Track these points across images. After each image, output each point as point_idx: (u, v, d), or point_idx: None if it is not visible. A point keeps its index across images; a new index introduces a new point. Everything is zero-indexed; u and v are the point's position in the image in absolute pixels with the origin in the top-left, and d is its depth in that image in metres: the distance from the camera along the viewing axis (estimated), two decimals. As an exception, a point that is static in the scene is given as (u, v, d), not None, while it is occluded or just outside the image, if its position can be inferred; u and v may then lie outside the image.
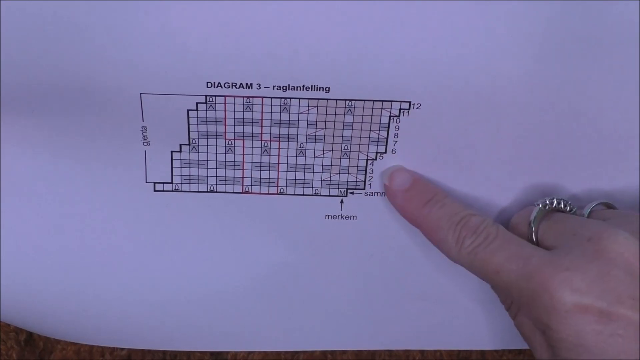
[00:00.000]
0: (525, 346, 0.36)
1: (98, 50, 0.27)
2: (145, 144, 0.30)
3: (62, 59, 0.27)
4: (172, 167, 0.31)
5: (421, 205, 0.31)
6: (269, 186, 0.32)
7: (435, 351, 0.37)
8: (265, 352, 0.37)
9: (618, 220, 0.29)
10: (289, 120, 0.30)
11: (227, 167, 0.31)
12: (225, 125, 0.30)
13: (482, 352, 0.37)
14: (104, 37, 0.27)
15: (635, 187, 0.32)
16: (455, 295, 0.35)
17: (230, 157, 0.31)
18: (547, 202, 0.30)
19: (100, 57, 0.27)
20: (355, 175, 0.32)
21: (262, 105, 0.29)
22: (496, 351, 0.37)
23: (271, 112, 0.30)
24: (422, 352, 0.37)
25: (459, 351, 0.37)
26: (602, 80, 0.29)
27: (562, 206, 0.30)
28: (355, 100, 0.29)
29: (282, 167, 0.31)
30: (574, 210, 0.30)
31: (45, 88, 0.28)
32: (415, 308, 0.35)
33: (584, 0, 0.27)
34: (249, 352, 0.37)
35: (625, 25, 0.28)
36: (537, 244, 0.29)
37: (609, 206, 0.31)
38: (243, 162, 0.31)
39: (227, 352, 0.37)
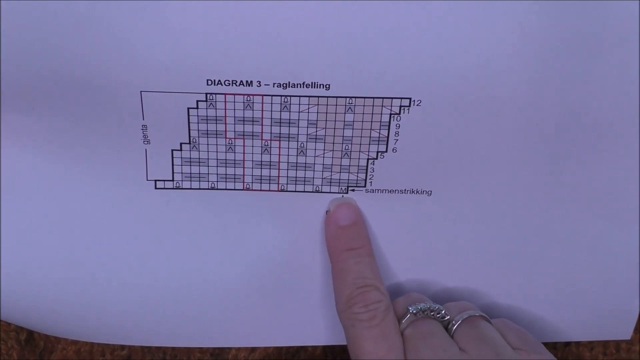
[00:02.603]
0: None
1: (98, 48, 0.27)
2: (145, 142, 0.30)
3: (62, 57, 0.27)
4: (172, 165, 0.31)
5: (344, 248, 0.31)
6: (269, 183, 0.32)
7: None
8: (267, 352, 0.37)
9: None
10: (290, 119, 0.30)
11: (227, 165, 0.31)
12: (225, 123, 0.30)
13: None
14: (104, 35, 0.27)
15: (635, 187, 0.32)
16: (453, 289, 0.35)
17: (230, 156, 0.31)
18: (420, 308, 0.30)
19: (101, 55, 0.27)
20: (356, 174, 0.32)
21: (263, 103, 0.29)
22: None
23: (271, 111, 0.30)
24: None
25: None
26: (602, 79, 0.29)
27: (434, 314, 0.31)
28: (355, 97, 0.29)
29: (283, 165, 0.31)
30: (446, 318, 0.31)
31: (46, 86, 0.28)
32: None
33: (584, 0, 0.27)
34: (250, 352, 0.37)
35: (625, 25, 0.28)
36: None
37: (483, 317, 0.31)
38: (244, 160, 0.31)
39: (228, 352, 0.37)
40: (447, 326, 0.31)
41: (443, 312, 0.31)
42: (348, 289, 0.30)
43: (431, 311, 0.31)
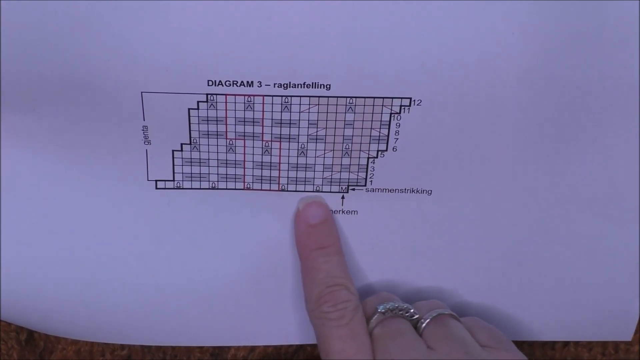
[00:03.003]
0: (522, 338, 0.36)
1: (99, 49, 0.27)
2: (146, 143, 0.31)
3: (62, 57, 0.27)
4: (173, 165, 0.31)
5: (313, 247, 0.31)
6: (270, 183, 0.32)
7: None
8: (266, 352, 0.37)
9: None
10: (290, 120, 0.30)
11: (228, 165, 0.31)
12: (226, 124, 0.30)
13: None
14: (104, 35, 0.27)
15: (635, 187, 0.32)
16: (454, 288, 0.35)
17: (231, 157, 0.31)
18: (388, 307, 0.31)
19: (101, 55, 0.27)
20: (356, 173, 0.32)
21: (263, 104, 0.29)
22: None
23: (272, 111, 0.30)
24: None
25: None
26: (602, 79, 0.29)
27: (402, 312, 0.31)
28: (356, 97, 0.29)
29: (283, 166, 0.31)
30: (415, 317, 0.31)
31: (46, 87, 0.28)
32: (415, 300, 0.35)
33: (584, 0, 0.27)
34: (249, 352, 0.37)
35: (625, 25, 0.28)
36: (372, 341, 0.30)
37: (452, 316, 0.31)
38: (244, 161, 0.31)
39: (227, 352, 0.37)
40: (416, 325, 0.31)
41: (412, 311, 0.31)
42: (317, 287, 0.30)
43: (400, 310, 0.31)
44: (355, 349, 0.29)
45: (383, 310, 0.30)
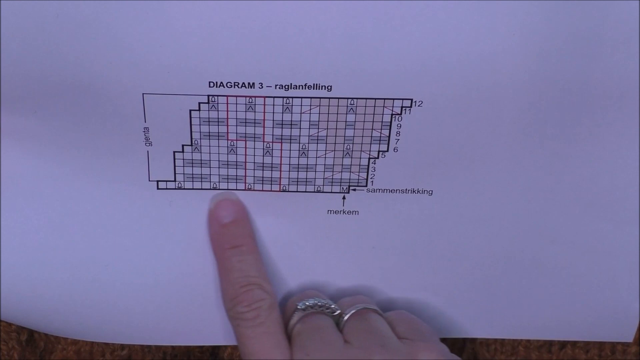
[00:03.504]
0: (523, 337, 0.36)
1: (100, 51, 0.27)
2: (147, 144, 0.31)
3: (64, 59, 0.27)
4: (174, 166, 0.31)
5: (226, 247, 0.31)
6: (271, 184, 0.32)
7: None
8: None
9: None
10: (291, 121, 0.30)
11: (229, 167, 0.31)
12: (227, 125, 0.30)
13: (475, 353, 0.37)
14: (106, 37, 0.27)
15: (635, 187, 0.32)
16: (454, 287, 0.35)
17: (232, 158, 0.31)
18: (308, 304, 0.31)
19: (102, 57, 0.27)
20: (357, 173, 0.32)
21: (265, 105, 0.29)
22: (488, 352, 0.37)
23: (273, 113, 0.30)
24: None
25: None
26: (602, 79, 0.29)
27: (323, 309, 0.31)
28: (357, 98, 0.29)
29: (285, 167, 0.31)
30: (336, 312, 0.31)
31: (48, 88, 0.28)
32: (415, 299, 0.35)
33: (584, 0, 0.27)
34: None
35: (625, 25, 0.28)
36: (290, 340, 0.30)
37: (374, 310, 0.31)
38: (245, 162, 0.31)
39: (224, 351, 0.37)
40: (337, 321, 0.31)
41: (333, 306, 0.31)
42: (232, 287, 0.30)
43: (320, 307, 0.31)
44: (270, 347, 0.29)
45: (302, 307, 0.31)
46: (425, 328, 0.31)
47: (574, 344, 0.37)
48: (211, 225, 0.32)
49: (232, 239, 0.31)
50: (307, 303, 0.31)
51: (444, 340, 0.33)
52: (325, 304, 0.31)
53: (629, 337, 0.36)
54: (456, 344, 0.37)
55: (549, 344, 0.37)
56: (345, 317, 0.31)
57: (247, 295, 0.30)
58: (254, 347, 0.29)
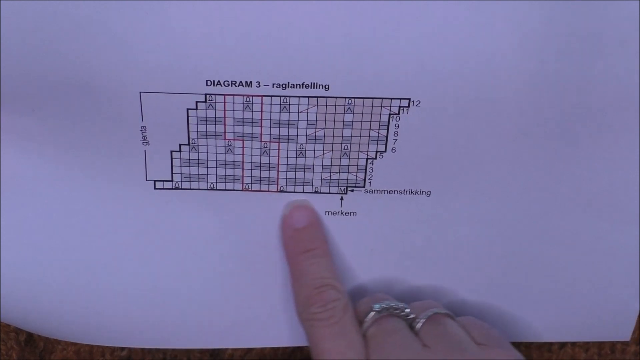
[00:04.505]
0: (521, 339, 0.36)
1: (98, 49, 0.27)
2: (145, 143, 0.30)
3: (61, 58, 0.27)
4: (172, 165, 0.31)
5: (300, 251, 0.31)
6: (269, 184, 0.32)
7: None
8: (263, 352, 0.37)
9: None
10: (289, 120, 0.30)
11: (227, 166, 0.31)
12: (224, 125, 0.30)
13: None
14: (103, 36, 0.27)
15: (635, 187, 0.32)
16: (452, 289, 0.35)
17: (230, 157, 0.31)
18: (383, 306, 0.30)
19: (100, 56, 0.27)
20: (355, 174, 0.32)
21: (262, 104, 0.29)
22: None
23: (271, 112, 0.30)
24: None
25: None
26: (602, 79, 0.29)
27: (398, 312, 0.31)
28: (355, 97, 0.29)
29: (282, 167, 0.31)
30: (410, 316, 0.31)
31: (45, 87, 0.28)
32: (414, 300, 0.35)
33: (584, 0, 0.27)
34: (246, 352, 0.37)
35: (625, 25, 0.28)
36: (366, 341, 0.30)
37: (447, 315, 0.31)
38: (243, 162, 0.31)
39: (224, 352, 0.37)
40: (411, 324, 0.31)
41: (407, 310, 0.31)
42: (305, 290, 0.30)
43: (395, 309, 0.31)
44: (345, 346, 0.29)
45: (379, 309, 0.30)
46: (498, 334, 0.31)
47: (573, 343, 0.37)
48: (285, 230, 0.32)
49: (306, 243, 0.31)
50: (382, 305, 0.31)
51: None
52: (401, 307, 0.31)
53: (626, 336, 0.36)
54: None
55: (549, 343, 0.37)
56: (420, 322, 0.30)
57: (322, 296, 0.30)
58: (328, 346, 0.29)
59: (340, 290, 0.30)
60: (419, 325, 0.30)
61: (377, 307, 0.30)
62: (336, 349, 0.29)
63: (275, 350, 0.37)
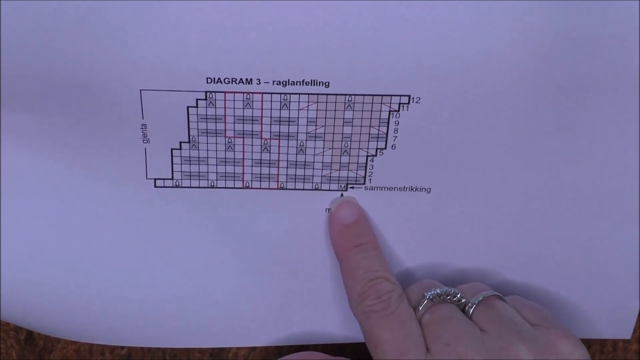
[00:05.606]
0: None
1: (97, 47, 0.27)
2: (145, 141, 0.31)
3: (61, 56, 0.27)
4: (172, 163, 0.31)
5: (350, 246, 0.31)
6: (269, 181, 0.32)
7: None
8: (267, 351, 0.37)
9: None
10: (289, 117, 0.30)
11: (227, 164, 0.31)
12: (225, 122, 0.30)
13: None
14: (103, 33, 0.27)
15: (635, 187, 0.32)
16: (452, 284, 0.35)
17: (230, 155, 0.31)
18: (436, 293, 0.30)
19: (100, 53, 0.27)
20: (355, 171, 0.32)
21: (262, 101, 0.29)
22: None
23: (271, 109, 0.30)
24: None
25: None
26: (602, 78, 0.29)
27: (450, 297, 0.30)
28: (355, 95, 0.29)
29: (282, 164, 0.31)
30: (462, 301, 0.31)
31: (45, 85, 0.28)
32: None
33: (584, 0, 0.27)
34: (250, 351, 0.37)
35: (625, 25, 0.28)
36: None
37: (498, 297, 0.31)
38: (243, 159, 0.31)
39: (228, 352, 0.37)
40: (463, 309, 0.31)
41: (459, 295, 0.31)
42: (359, 283, 0.30)
43: (447, 295, 0.30)
44: (404, 336, 0.29)
45: (431, 297, 0.30)
46: (548, 314, 0.31)
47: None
48: (333, 226, 0.32)
49: (355, 238, 0.31)
50: (434, 292, 0.30)
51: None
52: (452, 292, 0.31)
53: (627, 334, 0.36)
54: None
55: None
56: (473, 306, 0.30)
57: (376, 288, 0.30)
58: (386, 336, 0.29)
59: (393, 281, 0.30)
60: (472, 310, 0.30)
61: (429, 294, 0.30)
62: (395, 339, 0.28)
63: (279, 348, 0.37)
